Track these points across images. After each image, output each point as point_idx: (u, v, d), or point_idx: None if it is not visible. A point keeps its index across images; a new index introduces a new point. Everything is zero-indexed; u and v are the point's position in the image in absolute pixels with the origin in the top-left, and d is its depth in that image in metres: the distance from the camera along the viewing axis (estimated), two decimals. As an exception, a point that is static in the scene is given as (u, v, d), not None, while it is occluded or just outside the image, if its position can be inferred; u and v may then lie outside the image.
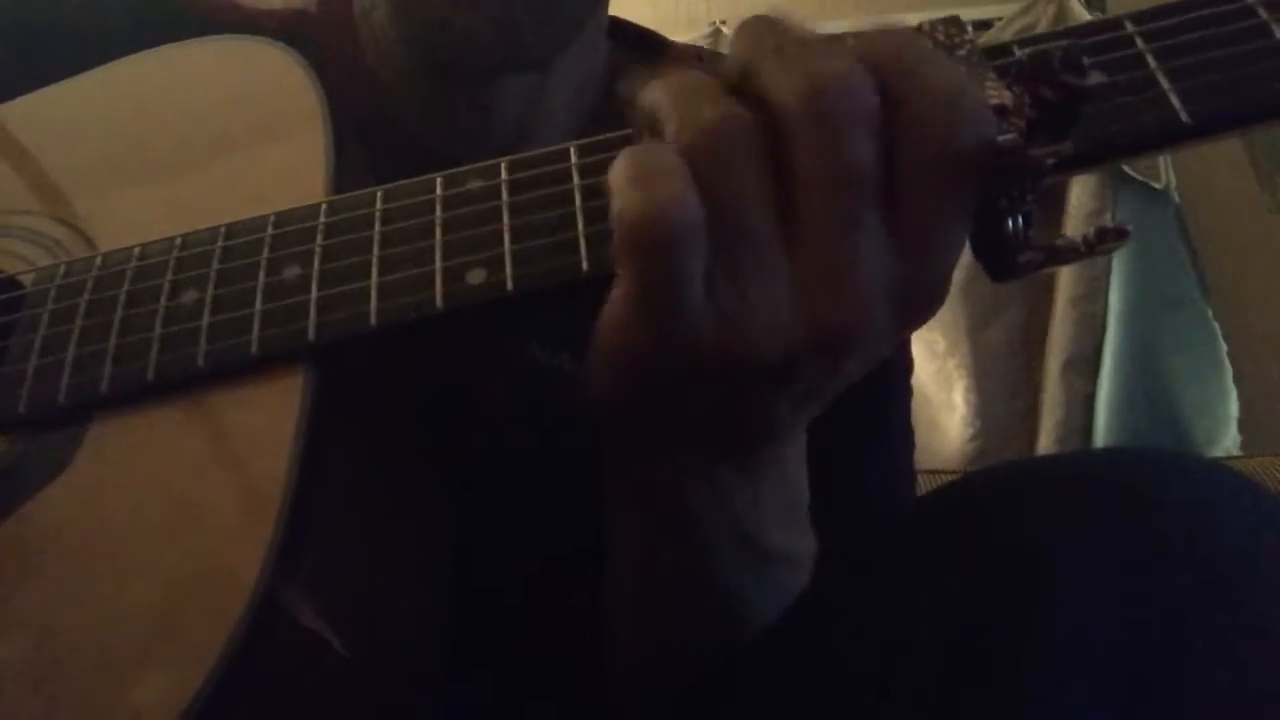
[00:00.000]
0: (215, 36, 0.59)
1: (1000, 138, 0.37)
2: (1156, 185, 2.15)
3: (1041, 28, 2.44)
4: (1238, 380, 2.10)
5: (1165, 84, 0.41)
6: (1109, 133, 0.41)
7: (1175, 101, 0.40)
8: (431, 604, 0.59)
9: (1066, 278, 2.12)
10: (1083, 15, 2.39)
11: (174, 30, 0.59)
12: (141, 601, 0.45)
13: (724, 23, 2.51)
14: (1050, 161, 0.38)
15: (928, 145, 0.38)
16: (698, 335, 0.40)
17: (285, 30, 0.61)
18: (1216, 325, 2.12)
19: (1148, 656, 0.37)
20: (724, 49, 1.57)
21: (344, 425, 0.49)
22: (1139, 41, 0.42)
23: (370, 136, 0.63)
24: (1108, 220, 2.09)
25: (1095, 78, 0.37)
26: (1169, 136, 0.41)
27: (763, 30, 0.41)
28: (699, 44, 1.74)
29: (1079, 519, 0.40)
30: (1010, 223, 0.39)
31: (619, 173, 0.40)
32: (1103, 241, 0.38)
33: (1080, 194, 2.13)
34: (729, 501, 0.47)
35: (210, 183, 0.53)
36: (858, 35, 0.40)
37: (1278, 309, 2.16)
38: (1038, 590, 0.39)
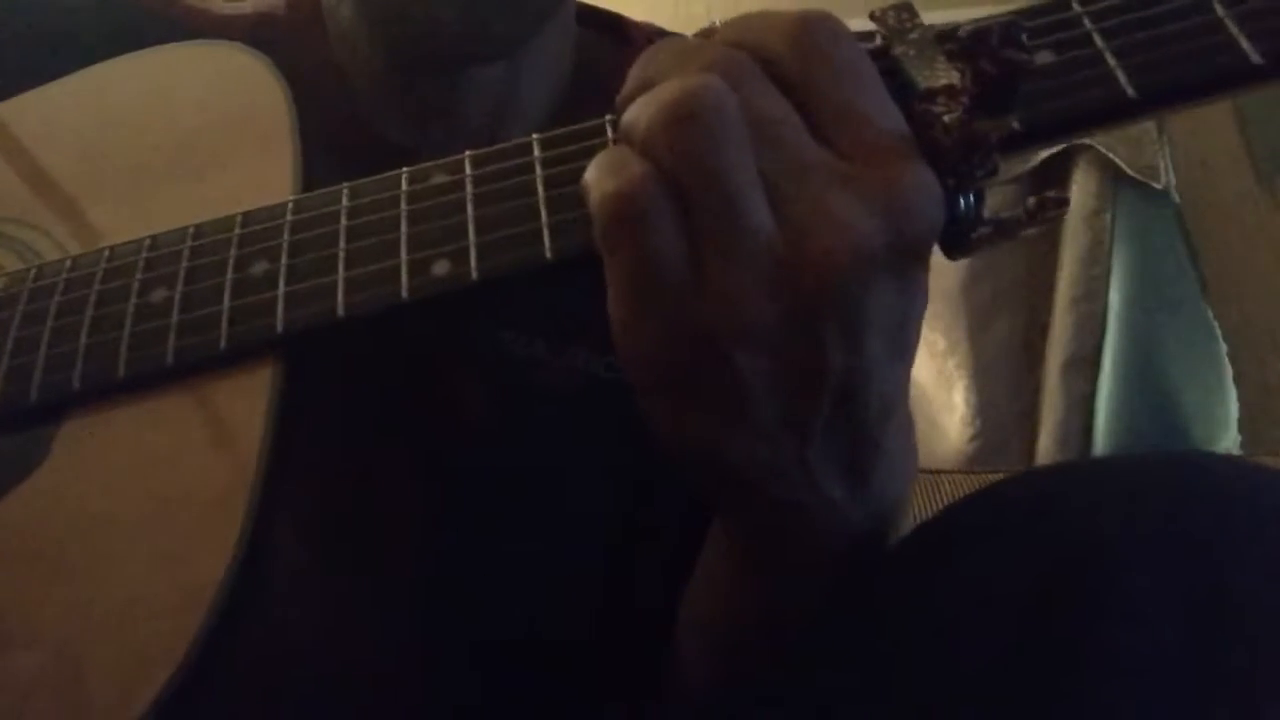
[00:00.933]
0: (185, 43, 0.59)
1: (945, 116, 0.38)
2: (1156, 185, 2.15)
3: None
4: (1238, 380, 2.09)
5: (1111, 61, 0.41)
6: (1057, 108, 0.41)
7: (1121, 77, 0.41)
8: (404, 601, 0.59)
9: (1066, 278, 2.11)
10: (1081, 15, 2.38)
11: (143, 36, 0.60)
12: (113, 595, 0.45)
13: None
14: (995, 136, 0.38)
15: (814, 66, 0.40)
16: (693, 313, 0.40)
17: (254, 33, 0.61)
18: (1216, 325, 2.12)
19: (1213, 657, 0.37)
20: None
21: (315, 421, 0.49)
22: (1086, 21, 0.43)
23: (340, 137, 0.63)
24: (1106, 221, 2.09)
25: (1044, 57, 0.38)
26: (1116, 110, 0.41)
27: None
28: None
29: (1142, 519, 0.40)
30: (961, 201, 0.40)
31: (588, 172, 0.41)
32: (1043, 209, 0.39)
33: (1080, 194, 2.12)
34: (846, 520, 0.45)
35: (181, 189, 0.54)
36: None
37: (1278, 309, 2.16)
38: (1100, 589, 0.38)
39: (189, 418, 0.48)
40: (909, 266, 0.40)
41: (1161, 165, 2.15)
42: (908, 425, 0.47)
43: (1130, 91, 0.41)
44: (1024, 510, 0.43)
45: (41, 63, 0.60)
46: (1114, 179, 2.12)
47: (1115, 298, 2.09)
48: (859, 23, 0.41)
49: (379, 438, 0.59)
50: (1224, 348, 2.10)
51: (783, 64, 0.40)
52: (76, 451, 0.49)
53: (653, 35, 0.74)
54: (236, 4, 0.68)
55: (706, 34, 0.43)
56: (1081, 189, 2.12)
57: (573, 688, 0.60)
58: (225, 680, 0.44)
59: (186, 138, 0.56)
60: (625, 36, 0.73)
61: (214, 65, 0.58)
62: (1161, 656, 0.37)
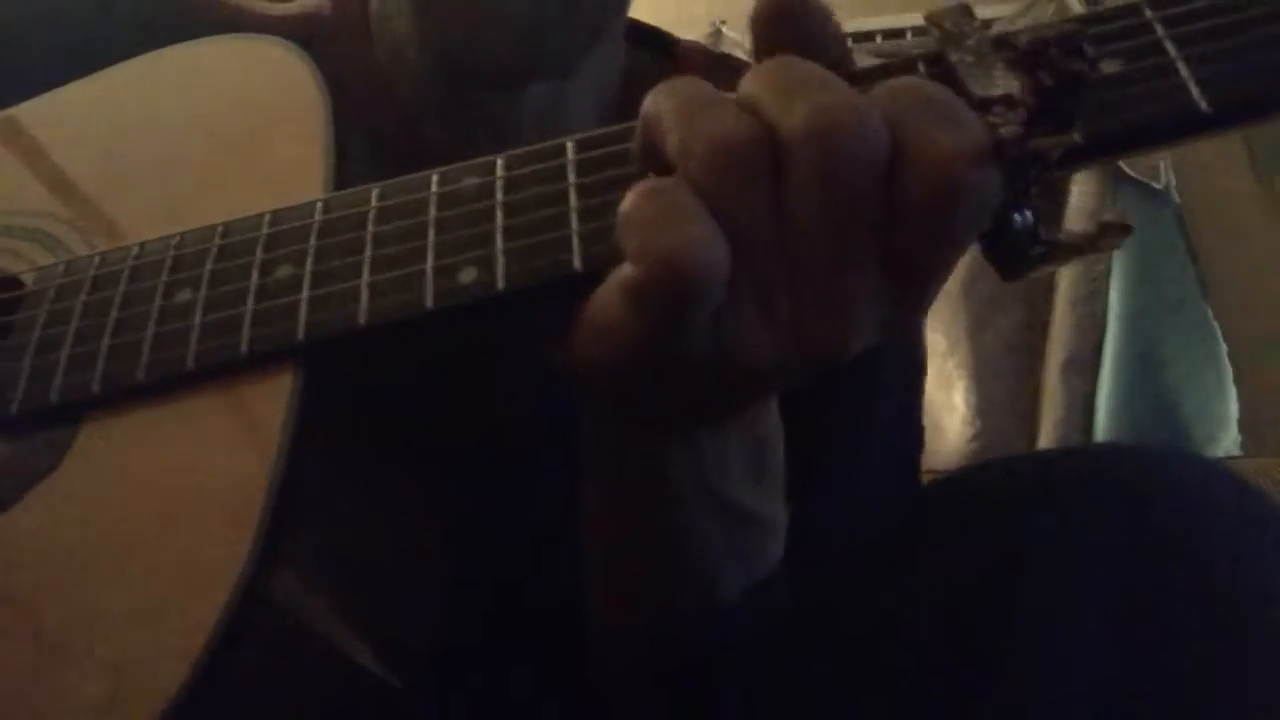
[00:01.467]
0: (222, 36, 0.59)
1: (1002, 130, 0.36)
2: (1156, 185, 2.15)
3: (1041, 27, 2.44)
4: (1238, 380, 2.10)
5: (1184, 71, 0.39)
6: (1123, 122, 0.39)
7: (1194, 90, 0.39)
8: (427, 608, 0.59)
9: (1066, 278, 2.12)
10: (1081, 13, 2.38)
11: (183, 33, 0.59)
12: (128, 599, 0.45)
13: (724, 23, 2.51)
14: (1056, 153, 0.36)
15: (927, 208, 0.37)
16: (692, 354, 0.40)
17: (297, 33, 0.60)
18: (1216, 325, 2.12)
19: (1140, 653, 0.37)
20: (724, 49, 1.56)
21: (339, 425, 0.49)
22: (1157, 27, 0.40)
23: (383, 140, 0.63)
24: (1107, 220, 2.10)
25: (1111, 66, 0.36)
26: (1187, 126, 0.39)
27: (777, 65, 0.40)
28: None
29: (1063, 518, 0.40)
30: (1018, 218, 0.38)
31: (636, 210, 0.38)
32: (1106, 235, 0.37)
33: (1080, 194, 2.12)
34: (696, 453, 0.47)
35: (213, 184, 0.53)
36: (887, 85, 0.39)
37: (1278, 309, 2.16)
38: (1022, 594, 0.39)
39: (208, 422, 0.47)
40: None
41: (1161, 165, 2.15)
42: (769, 424, 0.50)
43: (1203, 105, 0.38)
44: (951, 517, 0.43)
45: (80, 57, 0.60)
46: (1114, 179, 2.13)
47: (1115, 298, 2.10)
48: (858, 23, 0.39)
49: (402, 444, 0.58)
50: (1224, 348, 2.11)
51: (792, 161, 0.38)
52: (94, 454, 0.48)
53: (702, 56, 0.74)
54: (282, 3, 0.67)
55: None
56: (1081, 189, 2.12)
57: None
58: (239, 684, 0.44)
59: (218, 131, 0.56)
60: (674, 56, 0.73)
61: (247, 59, 0.58)
62: (1083, 658, 0.37)
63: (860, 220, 0.37)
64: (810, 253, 0.38)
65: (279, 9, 0.67)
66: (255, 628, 0.43)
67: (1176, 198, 2.18)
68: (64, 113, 0.60)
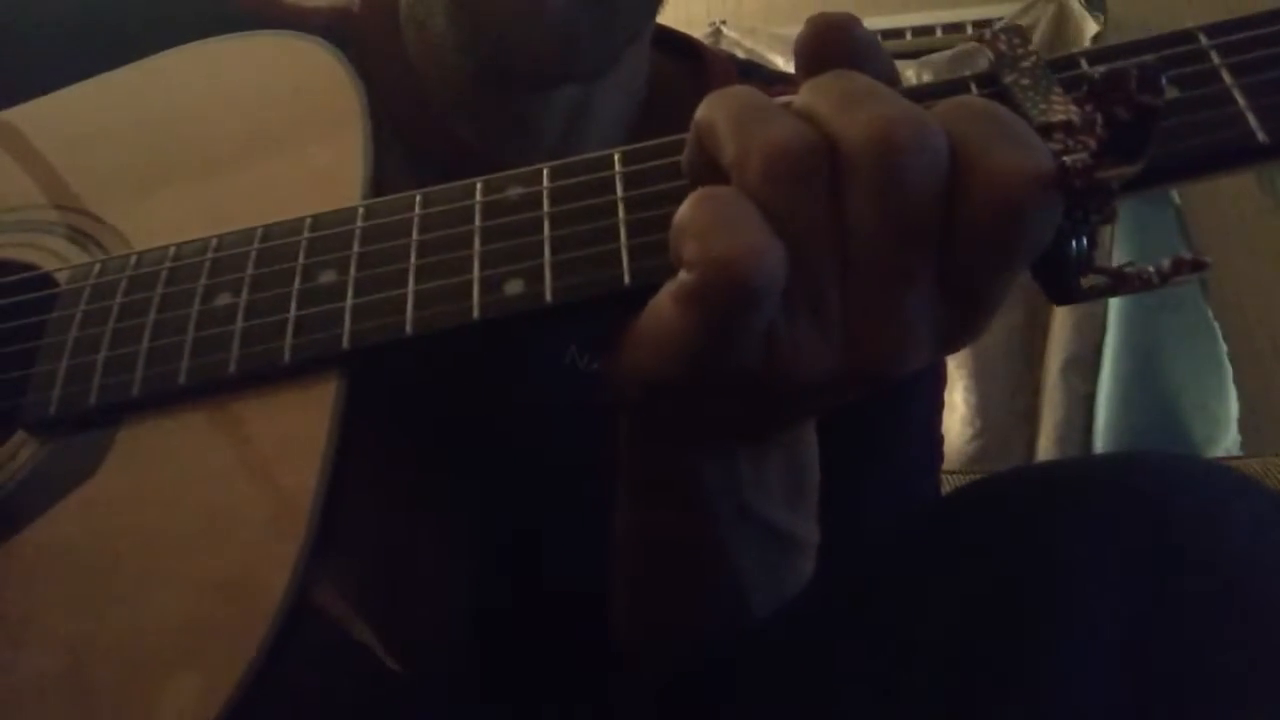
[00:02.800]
0: (255, 32, 0.58)
1: (1067, 158, 0.36)
2: (1157, 185, 2.15)
3: (1041, 28, 2.44)
4: (1238, 380, 2.10)
5: (1241, 101, 0.39)
6: (1179, 151, 0.39)
7: (1252, 120, 0.38)
8: (453, 612, 0.59)
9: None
10: (1083, 15, 2.39)
11: (216, 27, 0.59)
12: (169, 611, 0.44)
13: (724, 22, 2.51)
14: (1118, 183, 0.36)
15: (989, 227, 0.37)
16: (745, 364, 0.39)
17: (328, 29, 0.60)
18: (1216, 325, 2.12)
19: (1154, 662, 0.37)
20: (724, 49, 1.55)
21: (375, 431, 0.48)
22: (1214, 56, 0.40)
23: (412, 137, 0.62)
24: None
25: (1169, 93, 0.35)
26: (1243, 156, 0.39)
27: (834, 77, 0.40)
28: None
29: (1081, 528, 0.40)
30: (1074, 244, 0.37)
31: (693, 217, 0.38)
32: (1178, 272, 0.37)
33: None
34: (733, 471, 0.47)
35: (248, 181, 0.53)
36: (951, 101, 0.39)
37: (1278, 309, 2.17)
38: (1039, 604, 0.39)
39: (250, 430, 0.47)
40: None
41: (1162, 165, 2.15)
42: (807, 443, 0.50)
43: (1261, 136, 0.38)
44: (969, 525, 0.43)
45: (113, 51, 0.59)
46: (1114, 178, 2.12)
47: (1115, 298, 2.09)
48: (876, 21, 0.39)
49: (437, 450, 0.58)
50: (1224, 348, 2.11)
51: (852, 169, 0.38)
52: (132, 460, 0.47)
53: (728, 62, 0.74)
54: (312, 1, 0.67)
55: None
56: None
57: None
58: (283, 692, 0.43)
59: (252, 127, 0.55)
60: (700, 61, 0.73)
61: (284, 55, 0.57)
62: (1101, 667, 0.37)
63: (919, 234, 0.37)
64: (866, 265, 0.38)
65: (309, 5, 0.67)
66: (300, 639, 0.43)
67: (1176, 198, 2.18)
68: (95, 105, 0.59)
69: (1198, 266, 0.37)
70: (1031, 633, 0.38)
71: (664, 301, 0.40)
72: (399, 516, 0.57)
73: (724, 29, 2.48)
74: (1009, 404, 2.12)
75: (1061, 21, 2.40)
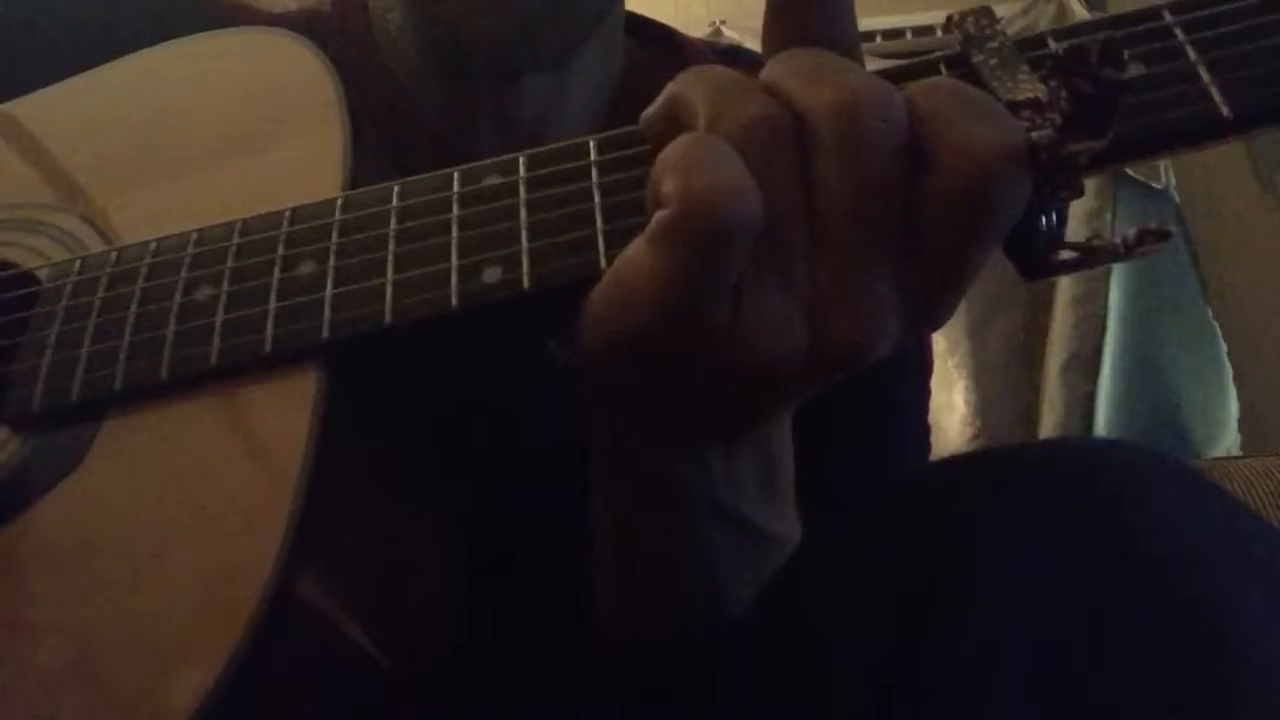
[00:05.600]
0: (233, 29, 0.59)
1: (1034, 134, 0.36)
2: (1156, 185, 2.15)
3: (1042, 27, 2.44)
4: (1238, 380, 2.10)
5: (1205, 76, 0.39)
6: (1145, 126, 0.39)
7: (1216, 95, 0.39)
8: (441, 607, 0.59)
9: (1066, 278, 2.12)
10: (1083, 15, 2.39)
11: (192, 25, 0.59)
12: (153, 602, 0.45)
13: (724, 22, 2.51)
14: (1085, 158, 0.36)
15: (957, 201, 0.37)
16: (710, 337, 0.39)
17: (302, 27, 0.60)
18: (1216, 325, 2.12)
19: (1074, 650, 0.37)
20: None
21: (357, 423, 0.48)
22: (1178, 32, 0.40)
23: (390, 134, 0.62)
24: (1107, 220, 2.09)
25: (1134, 69, 0.35)
26: (1208, 131, 0.39)
27: (802, 54, 0.40)
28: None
29: (1003, 517, 0.40)
30: (1043, 219, 0.38)
31: (677, 155, 0.38)
32: (1142, 243, 0.37)
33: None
34: (705, 470, 0.47)
35: (228, 176, 0.53)
36: (922, 82, 0.40)
37: (1278, 309, 2.16)
38: (960, 596, 0.39)
39: (230, 424, 0.47)
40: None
41: (1161, 165, 2.15)
42: (780, 440, 0.50)
43: (1225, 110, 0.38)
44: (897, 518, 0.43)
45: (86, 52, 0.59)
46: (1114, 178, 2.12)
47: (1115, 298, 2.09)
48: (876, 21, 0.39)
49: (420, 443, 0.58)
50: (1224, 348, 2.11)
51: (818, 137, 0.38)
52: (115, 453, 0.48)
53: (704, 49, 0.74)
54: (282, 1, 0.67)
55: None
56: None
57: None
58: (266, 684, 0.44)
59: (235, 122, 0.55)
60: (676, 49, 0.73)
61: (262, 51, 0.57)
62: (1021, 658, 0.37)
63: (884, 204, 0.38)
64: (835, 239, 0.38)
65: (283, 4, 0.67)
66: (284, 629, 0.43)
67: (1176, 198, 2.18)
68: (75, 105, 0.59)
69: (1162, 236, 0.37)
70: (948, 637, 0.38)
71: (637, 247, 0.40)
72: (383, 511, 0.57)
73: (724, 29, 2.48)
74: (1009, 404, 2.11)
75: (1061, 21, 2.41)
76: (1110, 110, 0.36)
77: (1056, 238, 0.38)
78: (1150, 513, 0.39)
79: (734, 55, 0.76)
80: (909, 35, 2.39)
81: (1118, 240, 0.37)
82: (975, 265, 0.39)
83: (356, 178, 0.50)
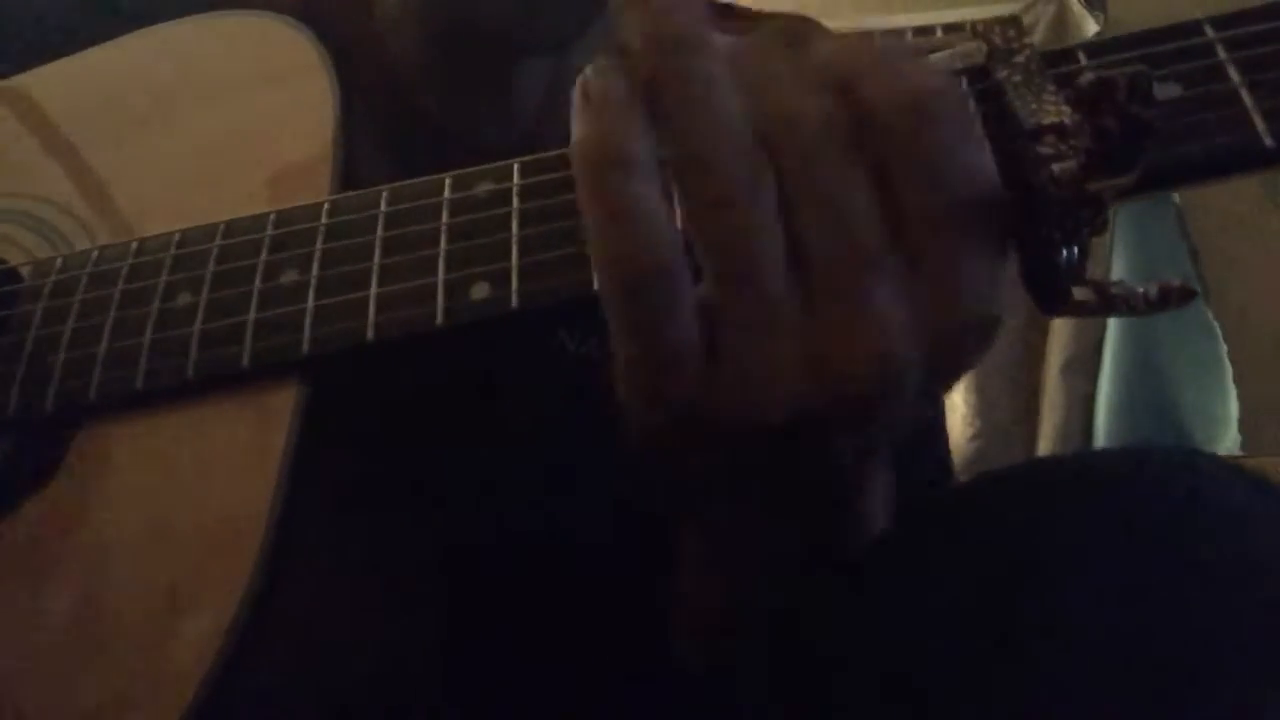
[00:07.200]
0: (222, 12, 0.57)
1: (1056, 166, 0.33)
2: (1157, 184, 2.15)
3: (1041, 28, 2.43)
4: (1238, 380, 2.10)
5: (1248, 101, 0.36)
6: (1179, 155, 0.36)
7: (1258, 122, 0.35)
8: (425, 617, 0.58)
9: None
10: (1082, 15, 2.38)
11: (197, 7, 0.58)
12: (125, 617, 0.44)
13: (724, 19, 2.50)
14: (1111, 194, 0.33)
15: (926, 196, 0.35)
16: (696, 397, 0.36)
17: (299, 11, 0.59)
18: (1216, 325, 2.12)
19: (1155, 654, 0.36)
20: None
21: (335, 433, 0.47)
22: (1221, 50, 0.37)
23: (388, 119, 0.61)
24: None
25: (1170, 90, 0.33)
26: (1246, 161, 0.36)
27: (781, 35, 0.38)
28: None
29: (1082, 522, 0.38)
30: (1064, 254, 0.35)
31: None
32: (1165, 301, 0.34)
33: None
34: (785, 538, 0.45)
35: (216, 170, 0.52)
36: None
37: (1278, 309, 2.16)
38: (1040, 598, 0.37)
39: (205, 439, 0.45)
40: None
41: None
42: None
43: (1268, 140, 0.35)
44: (968, 522, 0.41)
45: (74, 36, 0.58)
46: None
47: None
48: (842, 23, 0.37)
49: (418, 434, 0.57)
50: (1224, 348, 2.11)
51: (876, 133, 0.35)
52: (90, 465, 0.46)
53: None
54: None
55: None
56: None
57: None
58: (245, 698, 0.43)
59: (223, 114, 0.54)
60: None
61: (252, 37, 0.56)
62: (1101, 661, 0.36)
63: (859, 210, 0.35)
64: (811, 254, 0.35)
65: None
66: (262, 643, 0.42)
67: (1176, 198, 2.18)
68: (58, 87, 0.58)
69: (1185, 295, 0.34)
70: (1026, 637, 0.37)
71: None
72: (374, 520, 0.56)
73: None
74: (1009, 404, 2.11)
75: (1061, 21, 2.40)
76: (1137, 148, 0.32)
77: (1076, 274, 0.35)
78: (1244, 522, 0.38)
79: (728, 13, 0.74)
80: (939, 32, 2.39)
81: (1140, 291, 0.34)
82: (979, 274, 0.36)
83: (350, 169, 0.49)
